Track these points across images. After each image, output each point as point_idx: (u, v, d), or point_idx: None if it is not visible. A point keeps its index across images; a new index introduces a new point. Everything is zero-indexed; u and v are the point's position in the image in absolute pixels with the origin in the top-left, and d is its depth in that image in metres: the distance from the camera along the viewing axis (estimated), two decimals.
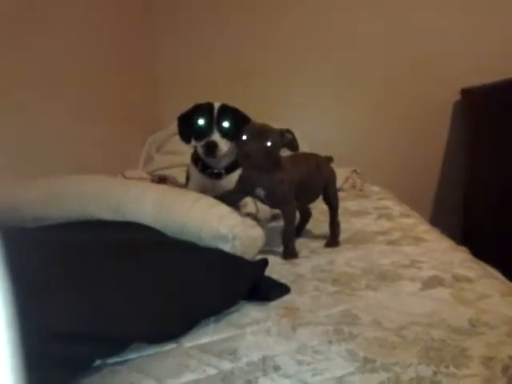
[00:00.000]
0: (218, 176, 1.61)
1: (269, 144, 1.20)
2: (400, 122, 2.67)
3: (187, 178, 1.72)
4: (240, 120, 1.53)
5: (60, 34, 1.84)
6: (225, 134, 1.54)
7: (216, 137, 1.52)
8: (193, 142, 1.61)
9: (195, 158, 1.65)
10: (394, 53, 2.63)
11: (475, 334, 0.79)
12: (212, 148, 1.51)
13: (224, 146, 1.53)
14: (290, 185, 1.28)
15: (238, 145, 1.28)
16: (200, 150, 1.56)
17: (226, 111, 1.57)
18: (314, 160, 1.41)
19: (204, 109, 1.57)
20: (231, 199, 1.30)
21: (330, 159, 1.49)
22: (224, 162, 1.60)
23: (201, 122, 1.55)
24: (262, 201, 1.33)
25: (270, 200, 1.31)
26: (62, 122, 1.82)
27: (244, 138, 1.22)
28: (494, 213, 2.22)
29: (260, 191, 1.28)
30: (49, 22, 1.76)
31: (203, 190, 1.45)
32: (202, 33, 2.76)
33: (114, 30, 2.30)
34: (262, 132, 1.22)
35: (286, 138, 1.27)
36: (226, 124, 1.54)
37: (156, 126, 2.69)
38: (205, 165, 1.62)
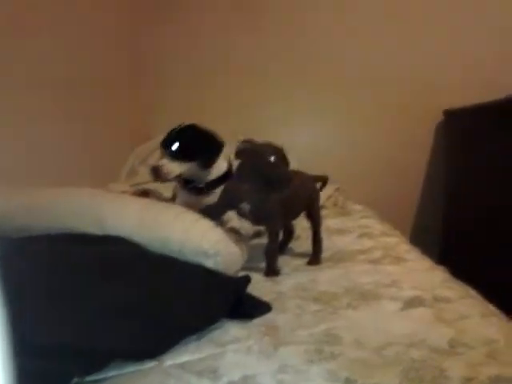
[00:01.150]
0: (200, 191, 1.60)
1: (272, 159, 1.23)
2: (383, 141, 2.70)
3: (174, 196, 1.73)
4: (204, 141, 1.55)
5: (47, 45, 1.83)
6: (173, 156, 1.51)
7: (163, 161, 1.51)
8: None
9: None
10: (378, 74, 2.66)
11: (455, 354, 0.80)
12: (156, 173, 1.50)
13: (173, 168, 1.51)
14: (278, 202, 1.28)
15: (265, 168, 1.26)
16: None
17: (181, 133, 1.55)
18: (299, 177, 1.42)
19: (168, 133, 1.56)
20: (214, 213, 1.29)
21: (325, 178, 1.50)
22: (205, 178, 1.60)
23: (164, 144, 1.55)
24: (245, 216, 1.32)
25: (255, 216, 1.30)
26: (47, 131, 1.81)
27: (271, 159, 1.23)
28: (473, 232, 2.25)
29: (245, 206, 1.27)
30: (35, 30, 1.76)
31: (188, 206, 1.45)
32: (191, 46, 2.77)
33: (102, 41, 2.29)
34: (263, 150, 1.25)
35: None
36: (174, 147, 1.52)
37: (142, 139, 2.68)
38: (186, 180, 1.62)
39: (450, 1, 2.60)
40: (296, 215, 1.44)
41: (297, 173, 1.45)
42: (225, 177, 1.58)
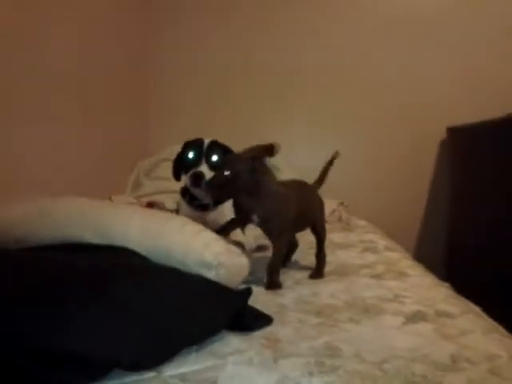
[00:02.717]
0: (205, 208, 1.62)
1: (226, 173, 1.22)
2: (387, 158, 2.71)
3: (178, 208, 1.74)
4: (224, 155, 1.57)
5: (51, 54, 1.85)
6: (213, 167, 1.56)
7: (204, 168, 1.55)
8: (182, 178, 1.63)
9: (183, 191, 1.68)
10: (381, 91, 2.69)
11: (456, 369, 0.79)
12: (198, 178, 1.53)
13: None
14: (286, 219, 1.28)
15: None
16: (187, 181, 1.58)
17: (216, 146, 1.61)
18: (309, 189, 1.42)
19: (194, 143, 1.60)
20: (230, 228, 1.33)
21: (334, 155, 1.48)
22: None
23: (190, 155, 1.58)
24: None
25: (263, 228, 1.31)
26: (49, 144, 1.82)
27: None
28: (477, 250, 2.24)
29: (255, 218, 1.29)
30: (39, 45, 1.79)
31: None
32: (193, 60, 2.81)
33: (106, 53, 2.32)
34: (225, 161, 1.25)
35: (255, 165, 1.25)
36: (214, 158, 1.58)
37: (145, 152, 2.70)
38: (192, 197, 1.63)
39: (452, 18, 2.63)
40: (303, 227, 1.43)
41: (306, 183, 1.44)
42: None
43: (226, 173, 1.22)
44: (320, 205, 1.47)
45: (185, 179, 1.60)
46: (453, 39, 2.63)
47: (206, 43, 2.80)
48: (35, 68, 1.73)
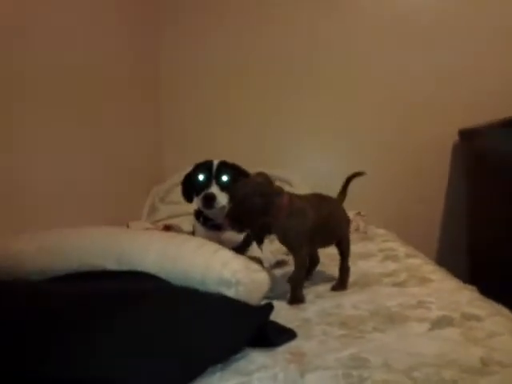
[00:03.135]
0: (219, 227, 1.63)
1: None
2: (402, 164, 2.70)
3: (194, 230, 1.75)
4: (239, 175, 1.60)
5: (58, 76, 1.89)
6: (223, 187, 1.58)
7: (214, 189, 1.57)
8: (194, 200, 1.65)
9: (197, 213, 1.70)
10: (393, 95, 2.69)
11: (488, 373, 0.77)
12: (209, 199, 1.55)
13: (222, 198, 1.56)
14: (303, 231, 1.28)
15: None
16: (199, 203, 1.60)
17: (225, 166, 1.63)
18: (331, 202, 1.42)
19: (204, 165, 1.63)
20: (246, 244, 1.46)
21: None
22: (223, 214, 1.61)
23: (201, 177, 1.61)
24: None
25: (285, 244, 1.33)
26: (66, 171, 1.85)
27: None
28: (498, 251, 2.20)
29: (275, 236, 1.34)
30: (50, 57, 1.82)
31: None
32: (206, 84, 2.84)
33: (118, 77, 2.36)
34: (233, 190, 1.31)
35: (261, 186, 1.28)
36: (224, 178, 1.59)
37: (159, 178, 2.73)
38: (206, 218, 1.65)
39: (463, 19, 2.63)
40: (328, 242, 1.42)
41: (333, 199, 1.45)
42: None
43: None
44: (345, 218, 1.46)
45: (197, 201, 1.62)
46: (463, 40, 2.62)
47: (218, 53, 2.83)
48: (40, 84, 1.75)
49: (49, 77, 1.79)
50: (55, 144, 1.80)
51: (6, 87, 1.56)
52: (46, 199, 1.72)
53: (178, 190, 2.42)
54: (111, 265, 1.13)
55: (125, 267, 1.12)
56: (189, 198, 1.67)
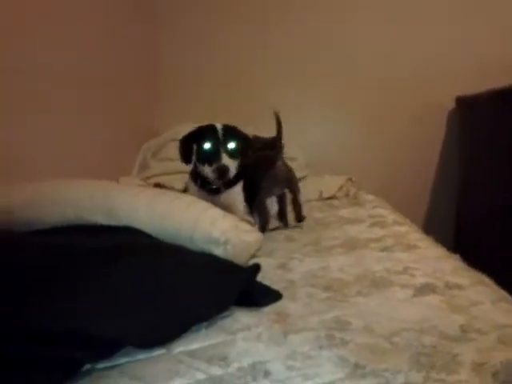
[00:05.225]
0: (217, 191, 1.63)
1: None
2: (395, 130, 2.68)
3: (185, 189, 1.75)
4: (242, 139, 1.61)
5: (60, 40, 1.84)
6: (231, 155, 1.57)
7: (226, 160, 1.55)
8: (196, 164, 1.63)
9: (194, 176, 1.67)
10: (389, 62, 2.64)
11: (466, 340, 0.79)
12: (223, 172, 1.54)
13: (233, 167, 1.57)
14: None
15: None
16: (211, 174, 1.57)
17: (230, 132, 1.61)
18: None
19: (208, 132, 1.59)
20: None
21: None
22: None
23: (207, 145, 1.58)
24: None
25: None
26: (56, 125, 1.82)
27: None
28: (487, 221, 2.23)
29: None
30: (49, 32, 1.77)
31: None
32: (201, 41, 2.77)
33: (113, 37, 2.30)
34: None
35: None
36: (231, 145, 1.58)
37: (152, 133, 2.69)
38: (204, 181, 1.64)
39: None
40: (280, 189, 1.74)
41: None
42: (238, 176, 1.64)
43: None
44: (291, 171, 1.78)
45: (206, 171, 1.58)
46: (460, 8, 2.57)
47: (216, 21, 2.76)
48: (35, 57, 1.71)
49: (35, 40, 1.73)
50: (42, 101, 1.76)
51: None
52: (36, 153, 1.70)
53: (172, 146, 2.43)
54: (100, 219, 1.13)
55: (113, 222, 1.13)
56: (187, 160, 1.64)
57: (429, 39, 2.60)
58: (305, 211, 1.76)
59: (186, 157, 1.64)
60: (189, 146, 1.62)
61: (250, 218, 1.61)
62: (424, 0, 2.61)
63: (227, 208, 1.43)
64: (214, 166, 1.55)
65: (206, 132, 1.60)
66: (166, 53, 2.81)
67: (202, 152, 1.59)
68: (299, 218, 1.73)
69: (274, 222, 1.72)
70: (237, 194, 1.66)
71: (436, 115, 2.64)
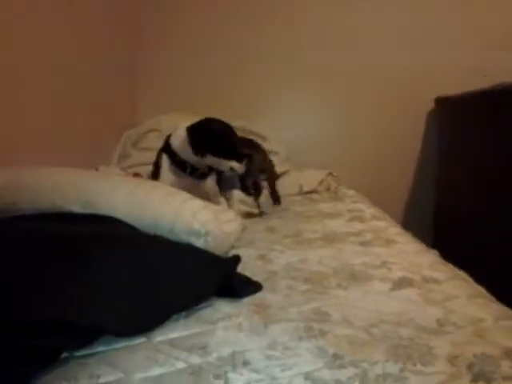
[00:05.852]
0: (204, 176, 1.72)
1: None
2: (377, 128, 2.70)
3: (155, 174, 1.77)
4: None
5: (40, 32, 1.81)
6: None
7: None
8: (208, 156, 1.67)
9: (183, 164, 1.70)
10: (369, 61, 2.65)
11: (442, 333, 0.81)
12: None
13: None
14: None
15: None
16: (237, 168, 1.67)
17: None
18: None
19: (230, 128, 1.69)
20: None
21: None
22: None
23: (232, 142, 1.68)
24: None
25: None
26: (35, 114, 1.79)
27: None
28: (464, 217, 2.27)
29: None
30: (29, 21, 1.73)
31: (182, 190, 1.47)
32: (183, 31, 2.74)
33: (92, 27, 2.26)
34: None
35: None
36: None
37: (131, 123, 2.66)
38: (193, 168, 1.70)
39: None
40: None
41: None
42: None
43: None
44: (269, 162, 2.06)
45: (226, 163, 1.66)
46: (439, 6, 2.59)
47: (201, 10, 2.73)
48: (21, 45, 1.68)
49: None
50: (23, 89, 1.73)
51: None
52: (15, 142, 1.66)
53: (152, 136, 2.41)
54: (76, 208, 1.12)
55: (90, 211, 1.11)
56: (203, 152, 1.66)
57: (407, 40, 2.62)
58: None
59: (200, 148, 1.66)
60: (202, 137, 1.65)
61: (223, 201, 1.74)
62: (403, 2, 2.63)
63: (208, 192, 1.63)
64: (245, 160, 1.67)
65: (230, 129, 1.69)
66: (145, 43, 2.77)
67: (226, 147, 1.66)
68: (276, 202, 1.95)
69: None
70: (213, 179, 1.76)
71: (416, 114, 2.67)
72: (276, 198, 1.98)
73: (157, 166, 1.76)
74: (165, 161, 1.71)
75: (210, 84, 2.72)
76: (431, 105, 2.61)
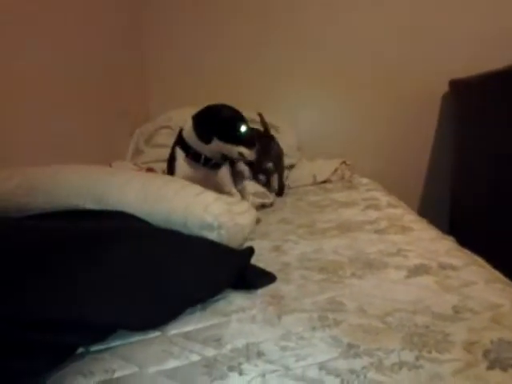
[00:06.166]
0: (217, 166, 1.74)
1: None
2: (390, 114, 2.67)
3: (170, 167, 1.78)
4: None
5: (51, 29, 1.82)
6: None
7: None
8: (214, 141, 1.66)
9: (196, 155, 1.70)
10: (383, 46, 2.62)
11: (458, 320, 0.79)
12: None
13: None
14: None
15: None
16: (248, 155, 1.65)
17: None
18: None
19: (240, 115, 1.67)
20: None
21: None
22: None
23: (243, 129, 1.65)
24: None
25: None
26: (49, 110, 1.81)
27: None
28: (481, 204, 2.23)
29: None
30: (38, 19, 1.74)
31: (197, 181, 1.47)
32: (193, 26, 2.73)
33: (103, 21, 2.28)
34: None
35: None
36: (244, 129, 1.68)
37: (144, 118, 2.68)
38: (207, 158, 1.70)
39: None
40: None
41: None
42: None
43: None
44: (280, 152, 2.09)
45: (236, 149, 1.65)
46: None
47: (210, 9, 2.72)
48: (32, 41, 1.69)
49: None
50: (39, 84, 1.74)
51: None
52: (30, 140, 1.68)
53: (165, 132, 2.42)
54: (90, 204, 1.12)
55: (104, 207, 1.11)
56: (208, 137, 1.66)
57: (420, 24, 2.58)
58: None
59: (205, 135, 1.66)
60: (209, 124, 1.65)
61: (235, 191, 1.74)
62: None
63: (221, 181, 1.69)
64: (258, 146, 1.64)
65: (238, 113, 1.67)
66: (158, 39, 2.78)
67: (238, 134, 1.64)
68: (279, 194, 2.02)
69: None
70: (227, 169, 1.78)
71: (430, 99, 2.63)
72: (281, 189, 2.04)
73: (171, 159, 1.76)
74: (179, 153, 1.72)
75: (222, 78, 2.71)
76: (445, 88, 2.57)
